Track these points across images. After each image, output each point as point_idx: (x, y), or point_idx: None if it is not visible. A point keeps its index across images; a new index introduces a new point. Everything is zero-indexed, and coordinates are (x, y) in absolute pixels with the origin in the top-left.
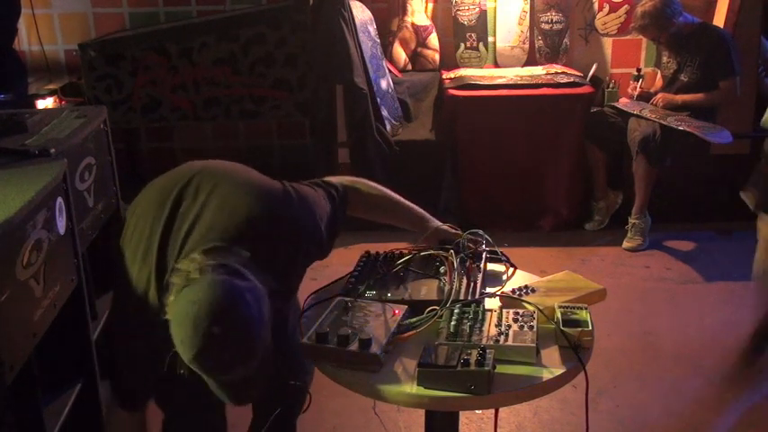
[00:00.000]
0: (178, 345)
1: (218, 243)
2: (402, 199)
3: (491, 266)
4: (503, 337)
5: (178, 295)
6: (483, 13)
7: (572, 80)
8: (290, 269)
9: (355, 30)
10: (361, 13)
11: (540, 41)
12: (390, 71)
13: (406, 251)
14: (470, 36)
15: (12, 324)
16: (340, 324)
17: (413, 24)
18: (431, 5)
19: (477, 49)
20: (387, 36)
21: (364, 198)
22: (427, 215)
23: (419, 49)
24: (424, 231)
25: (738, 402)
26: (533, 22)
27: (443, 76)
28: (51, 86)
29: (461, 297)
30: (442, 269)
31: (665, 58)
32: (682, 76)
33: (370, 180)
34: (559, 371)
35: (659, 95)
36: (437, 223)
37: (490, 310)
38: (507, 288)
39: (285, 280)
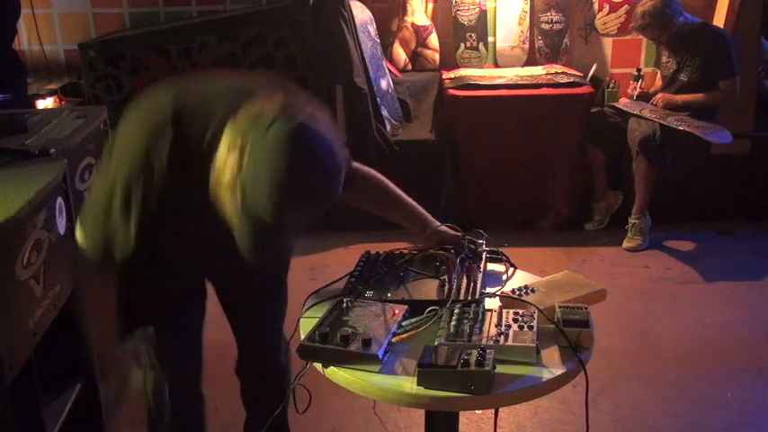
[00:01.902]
0: (263, 178)
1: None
2: (404, 196)
3: (491, 266)
4: (503, 337)
5: (259, 134)
6: (483, 13)
7: (572, 80)
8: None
9: (355, 30)
10: (361, 13)
11: (540, 41)
12: (390, 71)
13: (406, 251)
14: (470, 36)
15: (12, 324)
16: (340, 324)
17: (413, 24)
18: (431, 5)
19: (477, 49)
20: (387, 36)
21: (369, 183)
22: (428, 216)
23: (419, 49)
24: (423, 232)
25: (738, 402)
26: (533, 22)
27: (443, 76)
28: (51, 86)
29: (461, 297)
30: (442, 269)
31: (664, 58)
32: (681, 76)
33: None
34: (559, 371)
35: (659, 95)
36: (436, 224)
37: (490, 310)
38: (507, 288)
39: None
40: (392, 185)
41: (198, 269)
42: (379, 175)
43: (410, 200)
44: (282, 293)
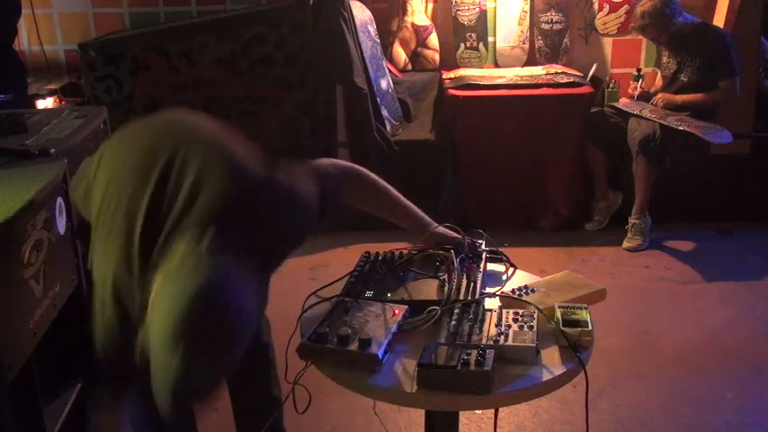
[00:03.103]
0: (163, 321)
1: (208, 225)
2: (401, 197)
3: (491, 266)
4: (503, 337)
5: (170, 274)
6: (483, 13)
7: (572, 80)
8: (271, 255)
9: (355, 30)
10: (361, 13)
11: (540, 41)
12: (390, 71)
13: (406, 251)
14: (470, 36)
15: (12, 324)
16: (340, 324)
17: (413, 24)
18: (431, 5)
19: (477, 49)
20: (387, 36)
21: (363, 187)
22: (426, 217)
23: (419, 49)
24: (421, 232)
25: (738, 402)
26: (533, 22)
27: (443, 76)
28: (51, 86)
29: (461, 297)
30: (441, 269)
31: (664, 58)
32: (681, 76)
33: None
34: (559, 371)
35: (659, 95)
36: (435, 225)
37: (490, 310)
38: (507, 288)
39: (265, 266)
40: (387, 186)
41: None
42: (373, 177)
43: (407, 201)
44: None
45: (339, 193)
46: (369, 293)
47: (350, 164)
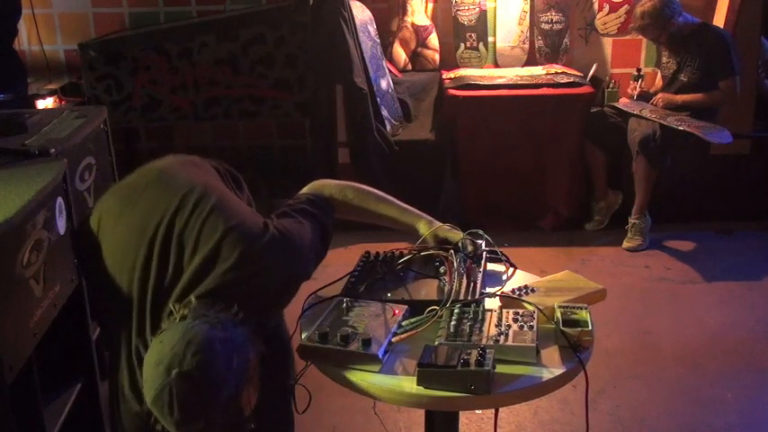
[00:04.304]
0: (144, 384)
1: (207, 290)
2: (397, 201)
3: (491, 266)
4: (503, 337)
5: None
6: (483, 13)
7: (572, 80)
8: (273, 307)
9: (355, 30)
10: (361, 13)
11: (540, 41)
12: (390, 71)
13: (406, 251)
14: (470, 36)
15: (12, 324)
16: (340, 324)
17: (413, 24)
18: (431, 5)
19: (477, 49)
20: (387, 36)
21: (352, 207)
22: (425, 216)
23: (419, 49)
24: (422, 232)
25: (738, 402)
26: (533, 22)
27: (443, 76)
28: (51, 86)
29: (461, 297)
30: (441, 269)
31: (664, 59)
32: (681, 76)
33: (370, 181)
34: (559, 371)
35: (659, 95)
36: (436, 224)
37: (490, 310)
38: (507, 288)
39: (267, 317)
40: (379, 196)
41: None
42: (360, 192)
43: (403, 205)
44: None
45: (332, 225)
46: (369, 293)
47: (341, 185)
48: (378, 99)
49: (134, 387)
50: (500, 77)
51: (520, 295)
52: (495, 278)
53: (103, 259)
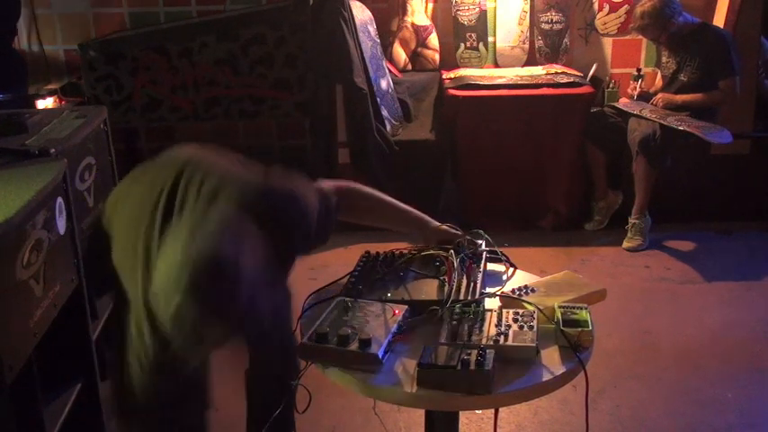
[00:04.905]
0: (166, 282)
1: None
2: (398, 203)
3: (491, 266)
4: (503, 337)
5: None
6: (483, 13)
7: (572, 80)
8: (276, 258)
9: (355, 30)
10: (361, 13)
11: (540, 41)
12: (390, 71)
13: (406, 251)
14: (470, 36)
15: (12, 324)
16: (340, 324)
17: (413, 24)
18: (431, 5)
19: (477, 49)
20: (387, 36)
21: (356, 205)
22: (425, 217)
23: (419, 49)
24: (423, 232)
25: (738, 402)
26: (533, 22)
27: (443, 76)
28: (51, 86)
29: (461, 297)
30: (442, 269)
31: (664, 58)
32: (681, 76)
33: (370, 181)
34: (559, 371)
35: (659, 95)
36: (436, 224)
37: (490, 310)
38: (507, 288)
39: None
40: (380, 197)
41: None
42: (365, 189)
43: (404, 206)
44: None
45: (335, 215)
46: (369, 293)
47: (343, 184)
48: (378, 99)
49: (154, 330)
50: (500, 77)
51: (520, 295)
52: (495, 278)
53: (115, 231)
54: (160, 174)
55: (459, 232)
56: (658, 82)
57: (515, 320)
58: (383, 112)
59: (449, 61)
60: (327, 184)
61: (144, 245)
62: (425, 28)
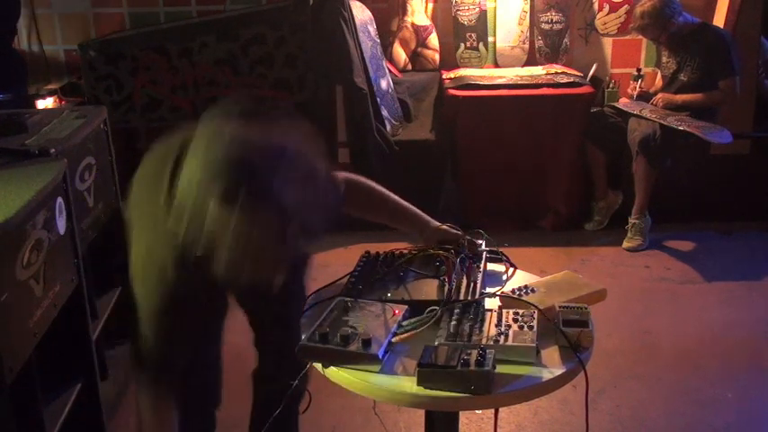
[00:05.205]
0: (207, 176)
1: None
2: (400, 200)
3: (491, 266)
4: (503, 337)
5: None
6: (483, 13)
7: (572, 80)
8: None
9: (355, 30)
10: (361, 13)
11: (540, 41)
12: (390, 71)
13: (406, 251)
14: (470, 36)
15: (12, 324)
16: (340, 324)
17: (413, 24)
18: (431, 5)
19: (477, 49)
20: (387, 36)
21: (361, 195)
22: (426, 216)
23: (419, 49)
24: (423, 232)
25: (738, 402)
26: (533, 22)
27: (443, 76)
28: (51, 86)
29: (461, 297)
30: (441, 269)
31: (664, 58)
32: (681, 76)
33: (370, 180)
34: (559, 371)
35: (659, 95)
36: (436, 224)
37: (490, 310)
38: (507, 288)
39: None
40: (384, 191)
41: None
42: (369, 183)
43: (406, 204)
44: (303, 297)
45: (342, 199)
46: (369, 293)
47: (345, 174)
48: (378, 99)
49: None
50: (500, 77)
51: (520, 295)
52: (495, 278)
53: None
54: (168, 144)
55: (459, 232)
56: (658, 82)
57: (515, 320)
58: (383, 112)
59: (449, 61)
60: (338, 174)
61: (165, 197)
62: (425, 28)
